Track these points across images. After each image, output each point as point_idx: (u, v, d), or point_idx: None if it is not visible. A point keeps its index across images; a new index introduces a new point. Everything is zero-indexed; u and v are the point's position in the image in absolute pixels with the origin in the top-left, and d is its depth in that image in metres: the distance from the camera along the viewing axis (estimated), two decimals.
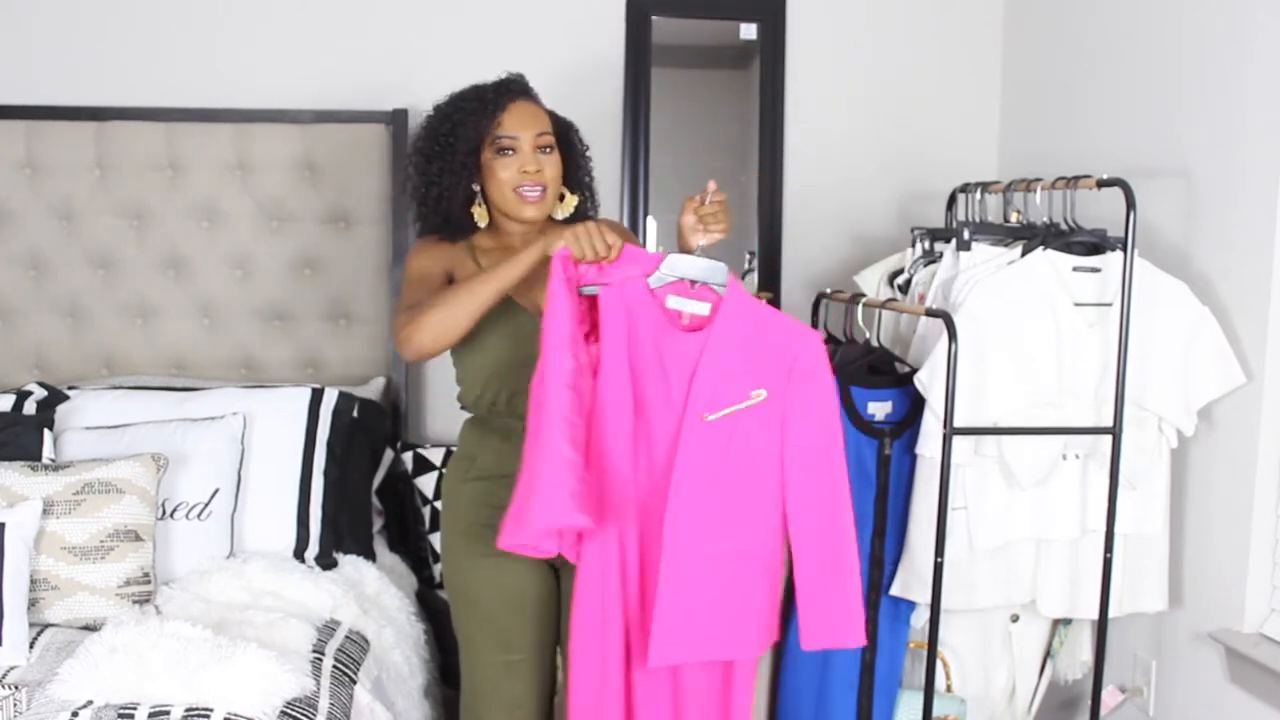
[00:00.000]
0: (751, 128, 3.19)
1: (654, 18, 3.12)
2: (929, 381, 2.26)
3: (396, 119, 2.99)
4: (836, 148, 3.23)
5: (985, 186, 2.66)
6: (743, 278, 3.21)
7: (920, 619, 2.44)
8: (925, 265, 2.59)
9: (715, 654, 1.98)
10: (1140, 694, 2.55)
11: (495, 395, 2.14)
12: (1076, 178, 2.36)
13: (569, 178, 2.24)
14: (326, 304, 3.05)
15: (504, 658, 2.15)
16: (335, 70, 3.07)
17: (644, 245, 2.98)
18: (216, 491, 2.46)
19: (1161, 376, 2.31)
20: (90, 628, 2.21)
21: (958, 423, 2.22)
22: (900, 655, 2.50)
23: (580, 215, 2.26)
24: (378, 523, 2.85)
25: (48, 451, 2.42)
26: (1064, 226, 2.43)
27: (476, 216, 2.18)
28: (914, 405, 2.38)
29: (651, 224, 3.13)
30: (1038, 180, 2.46)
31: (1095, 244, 2.36)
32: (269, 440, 2.59)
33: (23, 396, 2.62)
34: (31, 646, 2.12)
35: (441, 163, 2.14)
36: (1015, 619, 2.52)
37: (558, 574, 2.16)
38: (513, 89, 2.17)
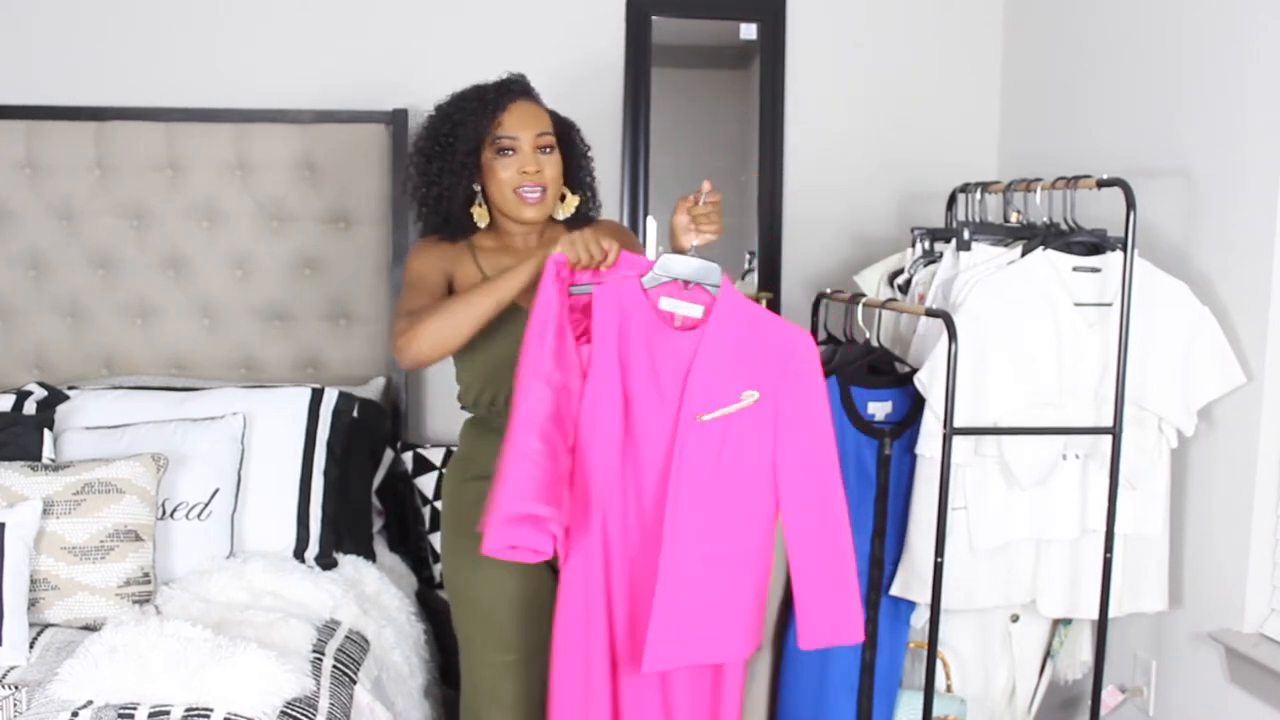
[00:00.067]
0: (751, 128, 3.19)
1: (654, 18, 3.12)
2: (929, 381, 2.26)
3: (396, 119, 2.99)
4: (836, 148, 3.23)
5: (985, 186, 2.66)
6: (743, 278, 3.21)
7: (920, 619, 2.44)
8: (925, 265, 2.59)
9: (710, 657, 1.98)
10: (1140, 694, 2.55)
11: (495, 395, 2.14)
12: (1076, 178, 2.36)
13: (570, 178, 2.24)
14: (326, 304, 3.05)
15: (504, 658, 2.15)
16: (335, 70, 3.07)
17: (644, 245, 2.99)
18: (216, 491, 2.46)
19: (1161, 376, 2.31)
20: (90, 628, 2.21)
21: (958, 423, 2.22)
22: (900, 655, 2.50)
23: (581, 215, 2.26)
24: (378, 523, 2.85)
25: (48, 451, 2.42)
26: (1064, 226, 2.43)
27: (476, 217, 2.19)
28: (914, 405, 2.38)
29: (651, 224, 3.13)
30: (1038, 180, 2.46)
31: (1095, 244, 2.36)
32: (269, 440, 2.59)
33: (23, 396, 2.62)
34: (31, 646, 2.12)
35: (441, 163, 2.15)
36: (1015, 619, 2.52)
37: (557, 575, 2.16)
38: (513, 89, 2.17)
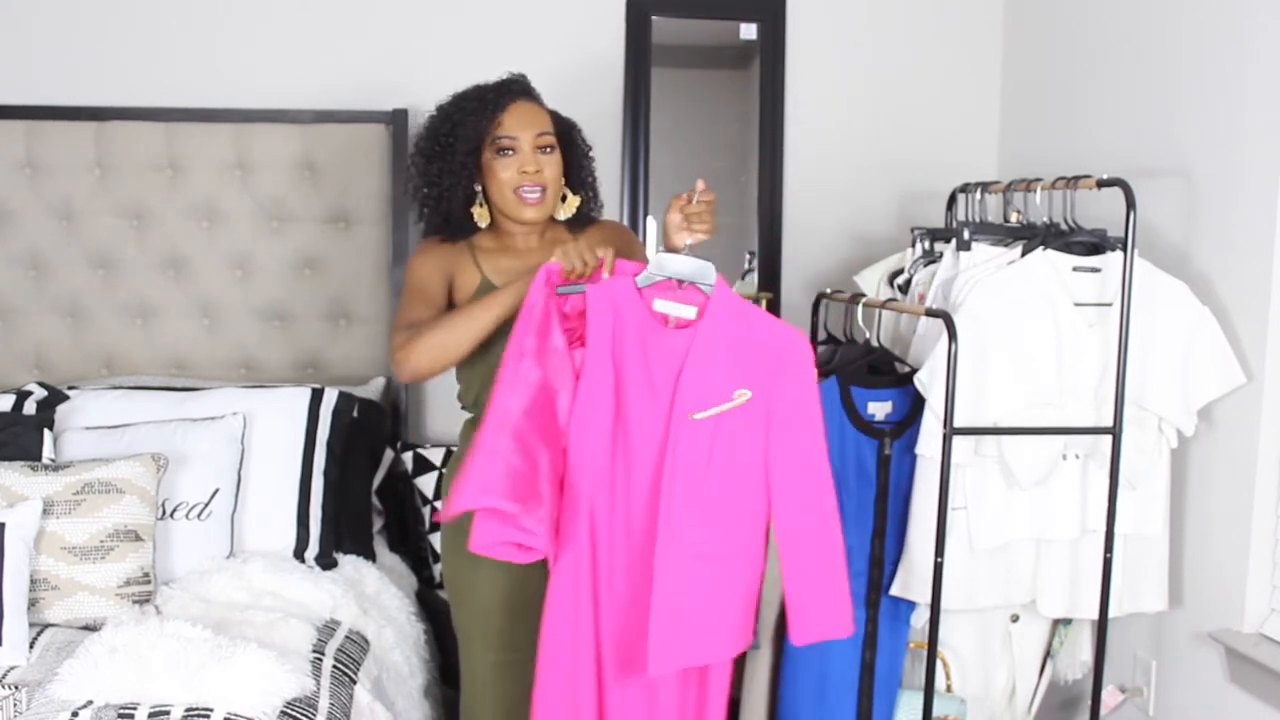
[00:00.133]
0: (751, 128, 3.19)
1: (654, 18, 3.12)
2: (929, 381, 2.26)
3: (396, 119, 2.99)
4: (836, 148, 3.23)
5: (985, 186, 2.66)
6: (743, 278, 3.21)
7: (920, 619, 2.44)
8: (925, 265, 2.59)
9: (709, 657, 1.98)
10: (1140, 694, 2.55)
11: None
12: (1076, 178, 2.36)
13: (571, 178, 2.24)
14: (326, 304, 3.05)
15: (503, 657, 2.15)
16: (335, 70, 3.07)
17: (644, 245, 2.99)
18: (216, 491, 2.46)
19: (1161, 376, 2.31)
20: (90, 628, 2.21)
21: (958, 423, 2.22)
22: (900, 655, 2.50)
23: (583, 216, 2.27)
24: (378, 523, 2.85)
25: (48, 451, 2.42)
26: (1064, 226, 2.43)
27: (477, 217, 2.19)
28: (914, 405, 2.38)
29: (651, 224, 3.13)
30: (1038, 180, 2.46)
31: (1095, 244, 2.36)
32: (269, 440, 2.59)
33: (23, 396, 2.62)
34: (31, 646, 2.12)
35: (442, 163, 2.15)
36: (1015, 619, 2.52)
37: None
38: (513, 89, 2.17)
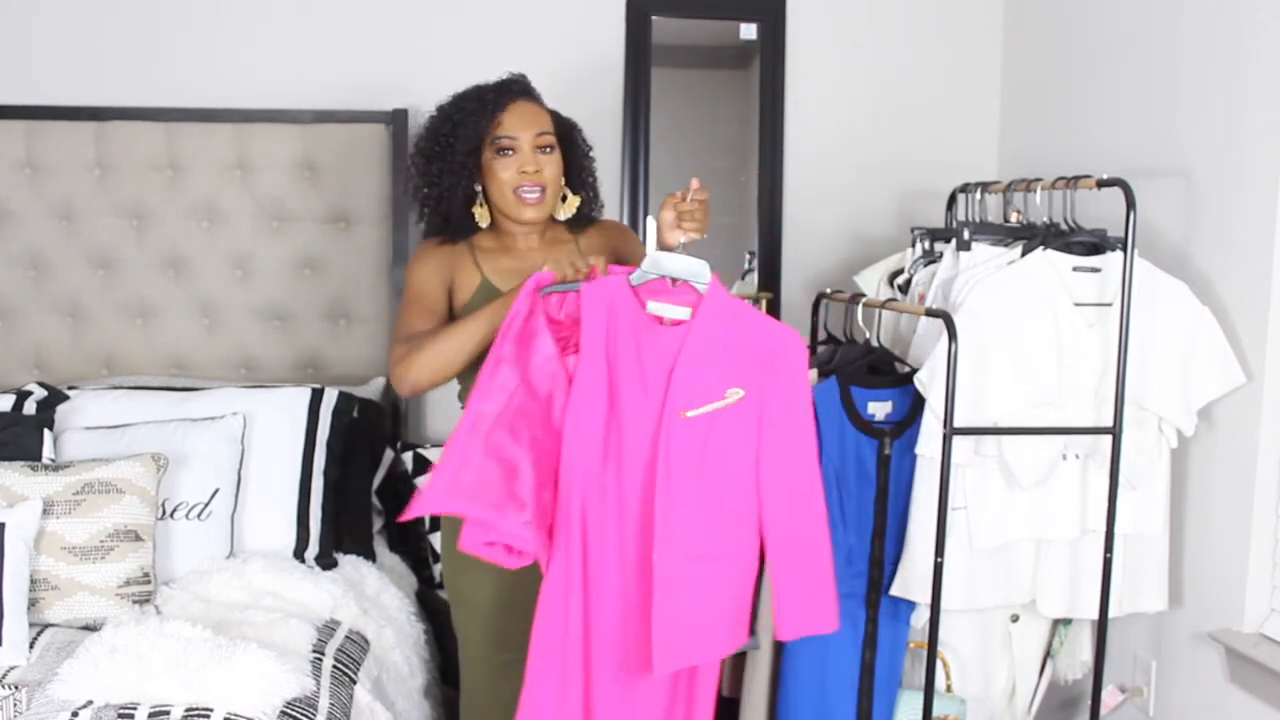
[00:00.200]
0: (751, 128, 3.19)
1: (654, 18, 3.12)
2: (929, 381, 2.26)
3: (396, 119, 3.00)
4: (836, 148, 3.23)
5: (985, 186, 2.66)
6: (743, 278, 3.21)
7: (920, 619, 2.44)
8: (925, 265, 2.59)
9: (707, 656, 1.98)
10: (1140, 694, 2.55)
11: None
12: (1076, 178, 2.36)
13: (572, 178, 2.24)
14: (326, 304, 3.05)
15: (503, 657, 2.15)
16: (335, 70, 3.07)
17: (644, 245, 2.99)
18: (216, 491, 2.46)
19: (1161, 376, 2.31)
20: (90, 628, 2.21)
21: (958, 423, 2.22)
22: (900, 655, 2.49)
23: (583, 216, 2.27)
24: (378, 523, 2.85)
25: (48, 451, 2.42)
26: (1064, 226, 2.42)
27: (478, 217, 2.19)
28: (914, 405, 2.37)
29: (651, 223, 3.09)
30: (1038, 180, 2.46)
31: (1095, 244, 2.36)
32: (269, 440, 2.59)
33: (23, 396, 2.62)
34: (31, 646, 2.12)
35: (442, 163, 2.15)
36: (1015, 619, 2.52)
37: None
38: (513, 89, 2.17)
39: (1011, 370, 2.27)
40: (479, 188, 2.17)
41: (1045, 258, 2.32)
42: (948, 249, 2.47)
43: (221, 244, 3.02)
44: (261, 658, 1.95)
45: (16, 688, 1.97)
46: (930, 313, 2.30)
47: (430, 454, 2.93)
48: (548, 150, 2.15)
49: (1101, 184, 2.28)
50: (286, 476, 2.57)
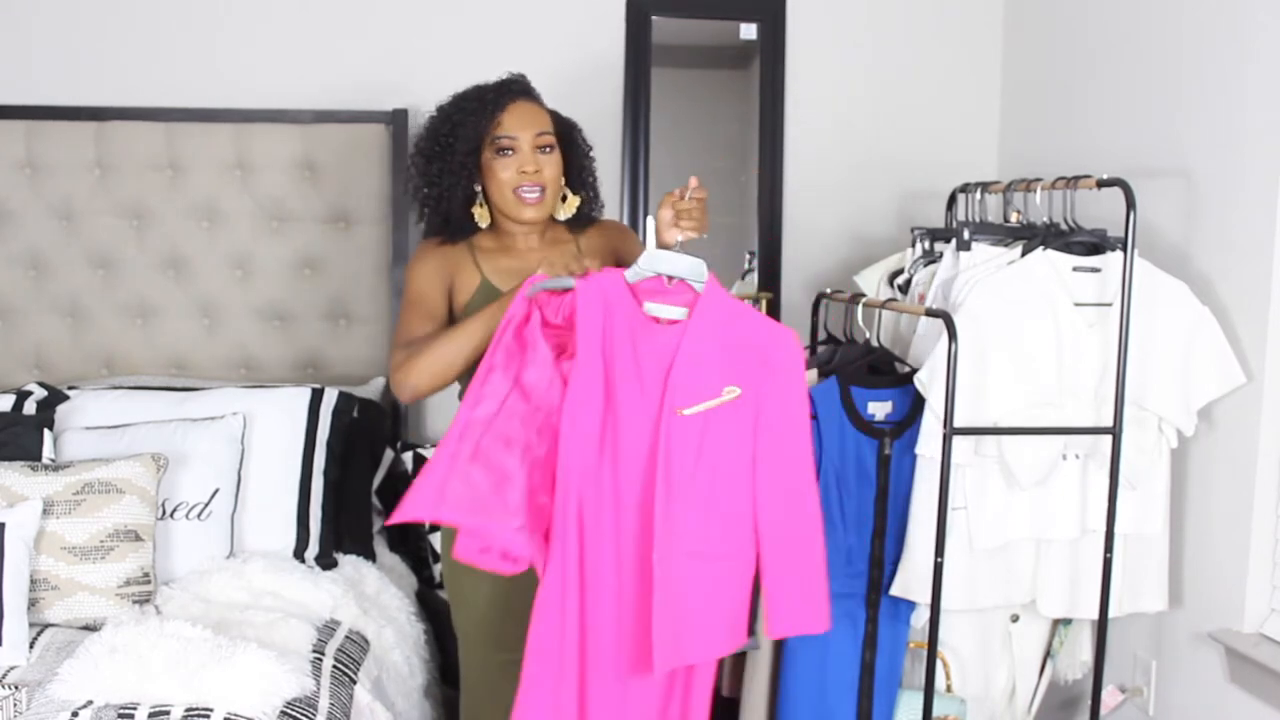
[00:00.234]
0: (751, 128, 3.19)
1: (654, 18, 3.12)
2: (929, 381, 2.26)
3: (396, 119, 3.00)
4: (836, 148, 3.23)
5: (985, 186, 2.66)
6: (743, 278, 3.21)
7: (920, 619, 2.44)
8: (925, 265, 2.59)
9: (706, 654, 1.98)
10: (1140, 694, 2.55)
11: None
12: (1076, 178, 2.36)
13: (572, 178, 2.24)
14: (326, 304, 3.05)
15: (503, 657, 2.15)
16: (335, 70, 3.07)
17: (644, 244, 2.99)
18: (216, 491, 2.46)
19: (1161, 376, 2.31)
20: (90, 628, 2.21)
21: (958, 423, 2.22)
22: (900, 655, 2.49)
23: (583, 216, 2.26)
24: (378, 523, 2.85)
25: (48, 451, 2.42)
26: (1064, 226, 2.43)
27: (477, 217, 2.19)
28: (914, 405, 2.37)
29: (651, 223, 3.09)
30: (1038, 180, 2.46)
31: (1095, 244, 2.36)
32: (269, 440, 2.59)
33: (23, 396, 2.62)
34: (31, 646, 2.12)
35: (442, 163, 2.15)
36: (1015, 619, 2.52)
37: None
38: (513, 89, 2.17)
39: (1011, 370, 2.27)
40: (479, 188, 2.17)
41: (1045, 258, 2.32)
42: (948, 249, 2.47)
43: (221, 244, 3.02)
44: (261, 658, 1.95)
45: (16, 688, 1.97)
46: (930, 313, 2.30)
47: (430, 454, 2.93)
48: (547, 150, 2.15)
49: (1101, 184, 2.28)
50: (286, 476, 2.57)
